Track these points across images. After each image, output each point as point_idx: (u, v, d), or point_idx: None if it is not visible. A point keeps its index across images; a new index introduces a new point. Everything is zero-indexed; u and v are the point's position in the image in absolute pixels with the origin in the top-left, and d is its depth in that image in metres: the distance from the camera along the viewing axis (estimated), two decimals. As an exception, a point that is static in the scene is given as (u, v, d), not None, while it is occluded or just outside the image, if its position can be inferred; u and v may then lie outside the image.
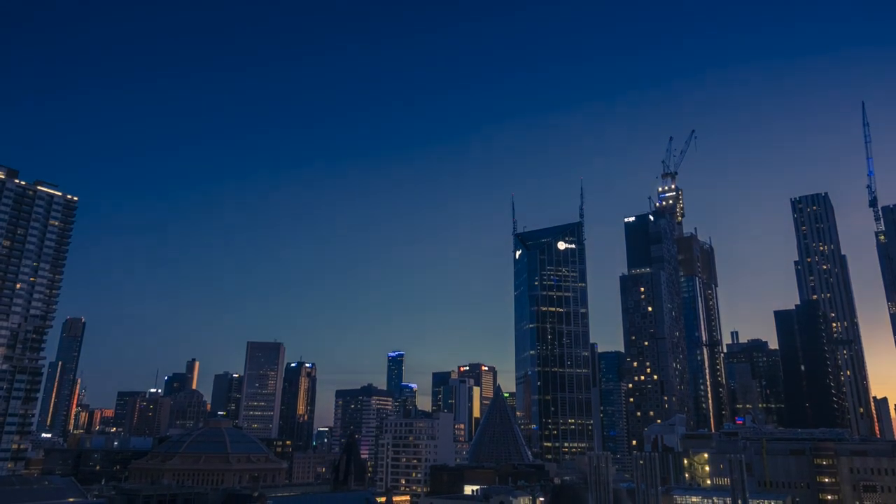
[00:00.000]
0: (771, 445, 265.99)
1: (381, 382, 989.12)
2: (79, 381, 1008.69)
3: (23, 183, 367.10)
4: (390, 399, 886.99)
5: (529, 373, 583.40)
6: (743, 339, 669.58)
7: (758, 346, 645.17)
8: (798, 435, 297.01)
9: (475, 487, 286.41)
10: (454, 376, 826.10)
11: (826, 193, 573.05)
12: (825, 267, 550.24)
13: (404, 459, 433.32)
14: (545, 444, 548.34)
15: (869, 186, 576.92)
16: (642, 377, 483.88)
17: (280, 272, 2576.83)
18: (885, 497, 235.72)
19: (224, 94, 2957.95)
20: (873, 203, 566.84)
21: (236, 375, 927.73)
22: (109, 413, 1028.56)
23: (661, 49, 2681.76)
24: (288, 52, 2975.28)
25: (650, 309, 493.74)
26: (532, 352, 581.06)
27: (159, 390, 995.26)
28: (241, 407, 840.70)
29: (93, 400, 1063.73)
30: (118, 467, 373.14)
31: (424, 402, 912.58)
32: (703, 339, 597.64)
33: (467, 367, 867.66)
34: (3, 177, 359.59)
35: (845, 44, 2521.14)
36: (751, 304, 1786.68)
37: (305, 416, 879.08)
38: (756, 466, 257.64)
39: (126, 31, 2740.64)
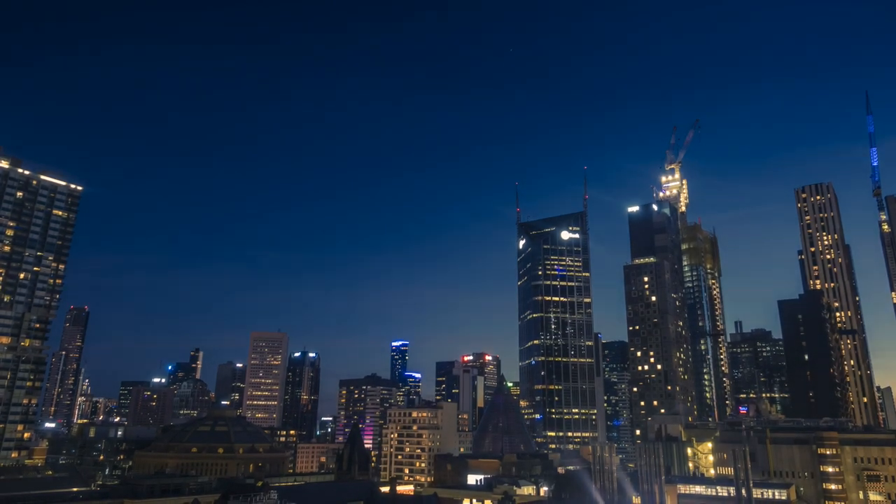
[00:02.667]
0: (774, 435, 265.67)
1: (385, 372, 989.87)
2: (82, 370, 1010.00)
3: (26, 172, 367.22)
4: (394, 389, 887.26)
5: (533, 362, 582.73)
6: (746, 329, 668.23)
7: (761, 335, 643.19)
8: (801, 425, 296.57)
9: (479, 477, 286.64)
10: (458, 366, 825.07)
11: (830, 183, 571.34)
12: (829, 256, 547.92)
13: (408, 449, 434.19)
14: (549, 433, 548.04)
15: (873, 176, 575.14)
16: (646, 367, 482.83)
17: (284, 262, 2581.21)
18: (889, 486, 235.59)
19: (227, 89, 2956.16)
20: (877, 192, 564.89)
21: (240, 365, 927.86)
22: (113, 402, 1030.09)
23: (664, 40, 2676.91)
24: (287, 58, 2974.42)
25: (654, 299, 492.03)
26: (536, 341, 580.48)
27: (163, 380, 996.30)
28: (245, 396, 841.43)
29: (96, 389, 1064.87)
30: (122, 457, 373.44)
31: (428, 392, 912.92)
32: (707, 328, 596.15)
33: (471, 357, 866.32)
34: (6, 166, 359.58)
35: (849, 34, 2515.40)
36: (754, 294, 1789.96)
37: (309, 406, 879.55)
38: (760, 456, 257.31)
39: (127, 28, 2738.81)
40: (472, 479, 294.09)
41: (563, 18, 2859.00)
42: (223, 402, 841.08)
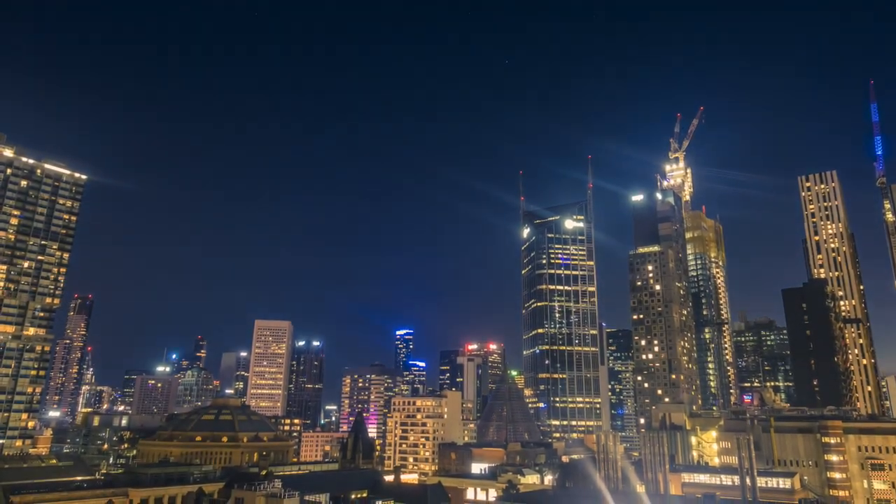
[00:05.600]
0: (778, 424, 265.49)
1: (389, 361, 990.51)
2: (87, 358, 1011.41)
3: (31, 161, 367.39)
4: (398, 377, 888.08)
5: (537, 351, 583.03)
6: (751, 318, 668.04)
7: (765, 324, 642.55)
8: (806, 414, 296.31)
9: (483, 466, 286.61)
10: (462, 354, 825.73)
11: (834, 171, 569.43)
12: (833, 245, 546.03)
13: (412, 438, 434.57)
14: (553, 422, 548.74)
15: (877, 164, 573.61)
16: (650, 356, 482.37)
17: (288, 250, 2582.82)
18: (894, 475, 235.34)
19: (231, 76, 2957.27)
20: (881, 181, 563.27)
21: (244, 354, 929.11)
22: (117, 391, 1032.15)
23: (668, 29, 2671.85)
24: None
25: (658, 287, 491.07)
26: (540, 330, 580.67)
27: (167, 368, 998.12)
28: (249, 385, 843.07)
29: (100, 378, 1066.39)
30: (126, 445, 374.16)
31: (432, 380, 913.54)
32: (711, 317, 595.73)
33: (475, 346, 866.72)
34: (11, 155, 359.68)
35: (853, 22, 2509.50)
36: (759, 283, 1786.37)
37: (313, 395, 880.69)
38: (764, 445, 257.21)
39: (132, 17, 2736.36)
40: (476, 467, 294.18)
41: (567, 9, 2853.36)
42: (227, 391, 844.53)
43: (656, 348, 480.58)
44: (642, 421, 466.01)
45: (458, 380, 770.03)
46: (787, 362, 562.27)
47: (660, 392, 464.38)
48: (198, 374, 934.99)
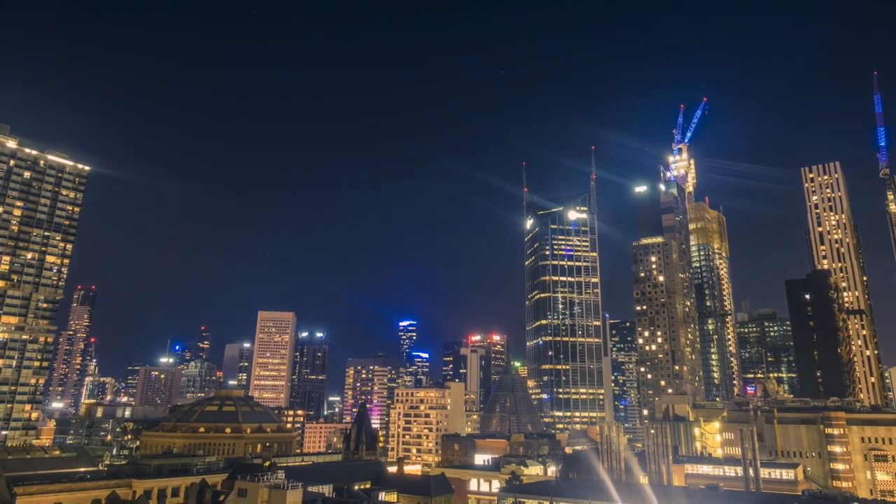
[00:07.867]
0: (782, 415, 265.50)
1: (393, 351, 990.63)
2: (90, 350, 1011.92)
3: (34, 153, 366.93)
4: (402, 368, 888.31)
5: (540, 342, 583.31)
6: (754, 309, 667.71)
7: (769, 315, 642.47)
8: (809, 405, 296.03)
9: (487, 457, 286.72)
10: (465, 346, 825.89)
11: (837, 163, 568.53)
12: (836, 236, 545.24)
13: (415, 429, 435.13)
14: (556, 413, 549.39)
15: (880, 156, 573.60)
16: (653, 347, 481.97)
17: (292, 242, 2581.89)
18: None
19: (235, 70, 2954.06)
20: (884, 173, 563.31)
21: (247, 345, 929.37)
22: (121, 382, 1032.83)
23: (671, 20, 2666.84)
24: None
25: (661, 279, 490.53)
26: (543, 321, 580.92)
27: (170, 360, 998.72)
28: (252, 376, 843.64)
29: (104, 369, 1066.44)
30: (129, 437, 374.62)
31: (436, 372, 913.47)
32: (715, 308, 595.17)
33: (479, 337, 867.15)
34: (14, 146, 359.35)
35: (856, 14, 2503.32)
36: (762, 274, 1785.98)
37: (316, 386, 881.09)
38: (767, 436, 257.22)
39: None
40: (479, 458, 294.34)
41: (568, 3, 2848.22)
42: (231, 382, 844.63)
43: (659, 339, 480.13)
44: (645, 412, 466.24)
45: (461, 371, 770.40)
46: (791, 353, 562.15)
47: (663, 383, 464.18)
48: (201, 365, 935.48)
